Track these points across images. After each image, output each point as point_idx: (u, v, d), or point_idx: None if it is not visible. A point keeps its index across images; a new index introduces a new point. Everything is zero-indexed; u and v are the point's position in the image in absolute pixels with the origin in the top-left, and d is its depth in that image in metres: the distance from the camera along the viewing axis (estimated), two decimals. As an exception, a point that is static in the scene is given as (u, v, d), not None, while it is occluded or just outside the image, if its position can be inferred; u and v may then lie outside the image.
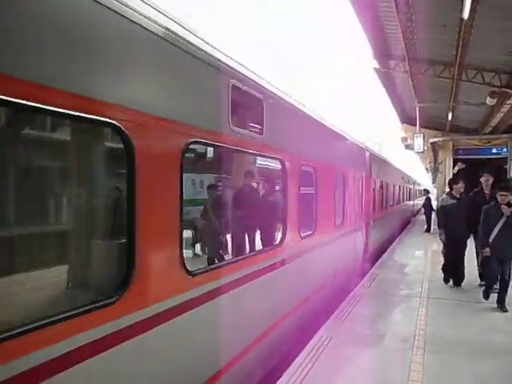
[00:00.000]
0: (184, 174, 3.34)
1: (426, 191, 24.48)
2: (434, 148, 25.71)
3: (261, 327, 4.75)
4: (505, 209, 6.95)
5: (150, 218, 2.96)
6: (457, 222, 8.26)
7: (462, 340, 5.67)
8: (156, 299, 3.01)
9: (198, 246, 4.99)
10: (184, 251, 3.33)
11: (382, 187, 14.31)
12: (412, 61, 14.14)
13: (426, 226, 21.14)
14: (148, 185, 2.91)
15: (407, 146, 24.87)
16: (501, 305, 6.96)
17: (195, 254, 4.75)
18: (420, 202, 32.03)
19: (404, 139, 25.94)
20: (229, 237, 5.24)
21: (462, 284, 8.59)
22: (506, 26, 10.53)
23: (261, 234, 5.50)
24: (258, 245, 5.29)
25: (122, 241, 2.84)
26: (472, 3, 8.63)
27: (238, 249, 5.18)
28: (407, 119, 24.15)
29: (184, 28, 3.42)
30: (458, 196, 8.51)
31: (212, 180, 5.64)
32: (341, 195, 8.55)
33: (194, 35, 3.54)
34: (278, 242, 5.35)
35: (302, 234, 6.03)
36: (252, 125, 4.63)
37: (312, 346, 5.35)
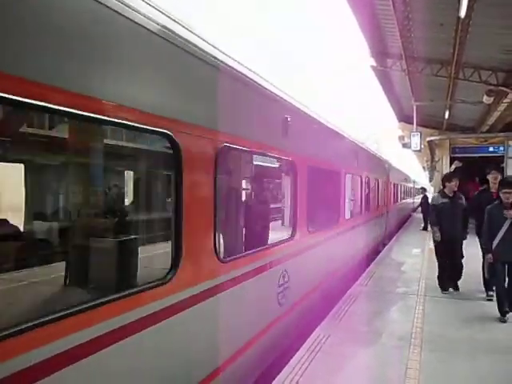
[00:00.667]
0: None
1: (423, 189, 24.58)
2: (431, 146, 25.76)
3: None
4: (509, 214, 6.25)
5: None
6: (450, 223, 7.67)
7: (460, 338, 5.68)
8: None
9: None
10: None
11: (394, 187, 19.44)
12: (409, 59, 14.16)
13: (423, 225, 21.20)
14: None
15: (404, 145, 24.90)
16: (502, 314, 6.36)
17: None
18: (418, 200, 32.68)
19: (401, 138, 25.96)
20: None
21: (459, 283, 8.09)
22: (503, 25, 10.54)
23: (368, 204, 12.04)
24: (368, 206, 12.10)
25: None
26: (469, 1, 8.64)
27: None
28: (404, 118, 24.18)
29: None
30: (450, 195, 7.92)
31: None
32: (376, 193, 13.58)
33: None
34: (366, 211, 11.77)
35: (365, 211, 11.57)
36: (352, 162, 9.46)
37: (309, 344, 5.35)
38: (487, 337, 5.75)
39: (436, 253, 8.32)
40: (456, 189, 7.97)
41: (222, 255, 3.87)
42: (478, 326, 6.21)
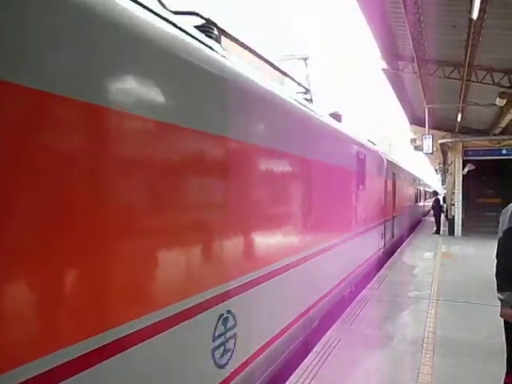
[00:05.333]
0: None
1: (435, 193, 24.40)
2: (444, 149, 25.51)
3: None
4: None
5: None
6: None
7: (473, 343, 5.62)
8: None
9: None
10: None
11: (420, 191, 28.27)
12: (421, 61, 14.05)
13: (435, 228, 21.04)
14: None
15: (416, 148, 24.73)
16: None
17: None
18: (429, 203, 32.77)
19: (413, 140, 25.78)
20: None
21: None
22: (516, 26, 10.43)
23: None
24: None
25: None
26: (481, 3, 8.57)
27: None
28: (416, 120, 24.01)
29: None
30: None
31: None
32: (415, 196, 22.89)
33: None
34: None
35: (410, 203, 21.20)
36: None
37: (320, 347, 5.34)
38: (501, 342, 5.66)
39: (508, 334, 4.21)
40: None
41: None
42: (492, 330, 6.12)
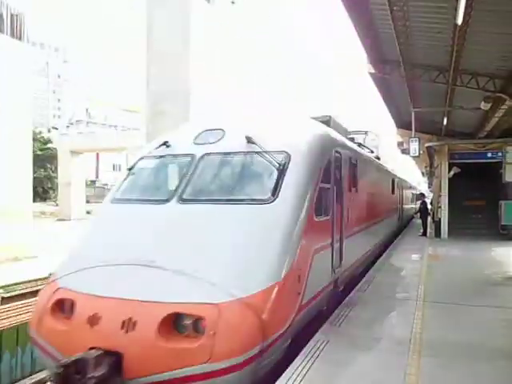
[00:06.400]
0: None
1: (422, 195, 24.66)
2: (430, 152, 25.81)
3: None
4: None
5: None
6: None
7: (460, 343, 5.68)
8: None
9: None
10: None
11: (413, 194, 32.63)
12: (407, 66, 14.22)
13: (422, 230, 21.22)
14: None
15: (403, 151, 24.97)
16: None
17: None
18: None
19: (400, 144, 26.03)
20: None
21: None
22: (500, 31, 10.61)
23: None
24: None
25: None
26: (466, 8, 8.69)
27: None
28: (403, 124, 24.25)
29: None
30: None
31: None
32: (410, 198, 30.33)
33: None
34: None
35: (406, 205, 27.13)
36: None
37: (308, 349, 5.35)
38: (488, 342, 5.74)
39: None
40: None
41: None
42: (478, 331, 6.21)
